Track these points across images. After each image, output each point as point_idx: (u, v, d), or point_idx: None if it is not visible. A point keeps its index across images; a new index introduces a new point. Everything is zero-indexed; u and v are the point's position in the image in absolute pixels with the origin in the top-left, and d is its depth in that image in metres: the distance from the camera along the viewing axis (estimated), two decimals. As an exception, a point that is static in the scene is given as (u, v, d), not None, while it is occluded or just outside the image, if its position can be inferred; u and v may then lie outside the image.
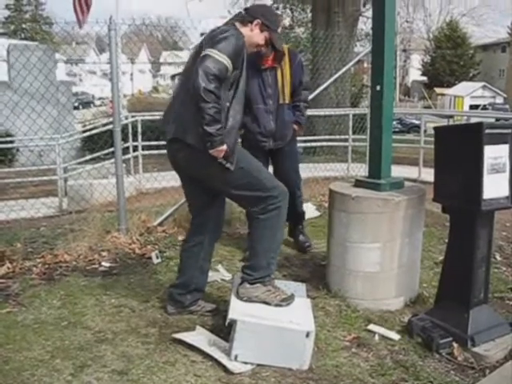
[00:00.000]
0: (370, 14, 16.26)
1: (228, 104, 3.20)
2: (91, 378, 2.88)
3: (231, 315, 3.06)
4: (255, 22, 3.39)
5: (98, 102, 47.81)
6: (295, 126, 4.75)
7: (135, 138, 9.83)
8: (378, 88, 3.88)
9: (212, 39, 3.17)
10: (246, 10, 3.56)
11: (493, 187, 3.29)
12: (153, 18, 66.65)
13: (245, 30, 3.35)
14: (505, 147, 3.38)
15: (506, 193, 3.40)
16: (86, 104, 42.83)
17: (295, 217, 4.98)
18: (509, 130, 3.44)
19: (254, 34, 3.40)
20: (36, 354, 3.13)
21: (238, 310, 3.14)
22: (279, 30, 3.57)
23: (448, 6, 55.24)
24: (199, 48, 3.27)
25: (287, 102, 4.61)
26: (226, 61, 3.07)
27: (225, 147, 3.13)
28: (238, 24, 3.38)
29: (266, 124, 4.53)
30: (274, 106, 4.53)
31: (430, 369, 3.15)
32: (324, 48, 11.18)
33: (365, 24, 20.44)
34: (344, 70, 8.01)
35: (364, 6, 14.89)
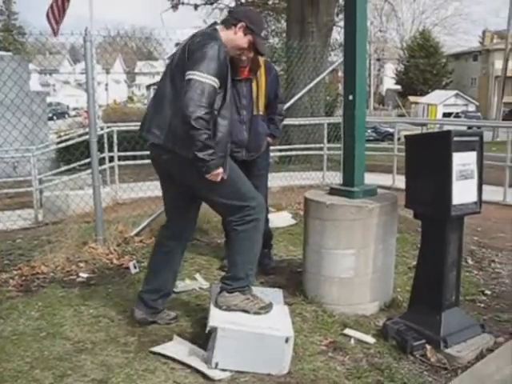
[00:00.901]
0: (342, 24, 16.52)
1: (216, 113, 3.20)
2: (71, 388, 2.91)
3: (212, 323, 3.11)
4: (239, 25, 3.33)
5: (72, 113, 47.37)
6: (269, 139, 4.74)
7: (111, 149, 9.81)
8: (351, 97, 3.98)
9: (194, 55, 3.14)
10: (230, 12, 3.55)
11: (462, 193, 3.40)
12: (127, 27, 66.53)
13: (228, 33, 3.33)
14: (472, 154, 3.49)
15: (475, 198, 3.52)
16: (61, 114, 42.38)
17: (264, 238, 4.70)
18: (476, 138, 3.56)
19: (237, 38, 3.35)
20: (15, 365, 3.14)
21: (217, 317, 3.20)
22: (263, 33, 3.50)
23: (420, 16, 56.37)
24: (181, 59, 3.24)
25: (261, 113, 4.60)
26: (213, 81, 3.07)
27: (221, 170, 3.17)
28: (220, 27, 3.36)
29: (239, 134, 4.47)
30: (248, 116, 4.51)
31: (405, 370, 3.23)
32: (298, 58, 11.30)
33: (339, 34, 20.74)
34: (318, 79, 8.14)
35: (337, 15, 15.09)
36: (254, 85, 4.50)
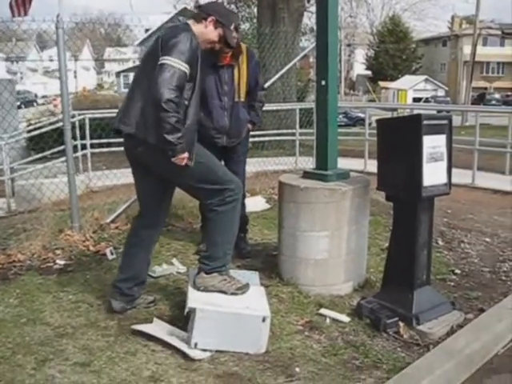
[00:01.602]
0: (314, 9, 16.56)
1: (186, 103, 3.30)
2: (54, 371, 2.95)
3: (190, 304, 3.18)
4: (209, 19, 3.45)
5: (41, 101, 46.63)
6: (249, 125, 4.76)
7: (83, 137, 9.74)
8: (323, 83, 4.05)
9: (167, 44, 3.24)
10: (199, 7, 3.67)
11: (432, 175, 3.52)
12: (95, 12, 65.54)
13: (199, 27, 3.44)
14: (442, 137, 3.61)
15: (444, 180, 3.64)
16: (29, 103, 41.70)
17: (241, 222, 4.52)
18: (445, 121, 3.67)
19: (208, 31, 3.47)
20: (-3, 351, 3.18)
21: (196, 299, 3.27)
22: (232, 26, 3.58)
23: (390, 1, 56.72)
24: (154, 48, 3.33)
25: (242, 100, 4.61)
26: (183, 67, 3.18)
27: (186, 155, 3.25)
28: (191, 21, 3.47)
29: (220, 120, 4.50)
30: (230, 103, 4.52)
31: (379, 347, 3.35)
32: (270, 44, 11.34)
33: (309, 19, 20.81)
34: (290, 65, 8.21)
35: (308, 1, 15.11)
36: (235, 71, 4.50)
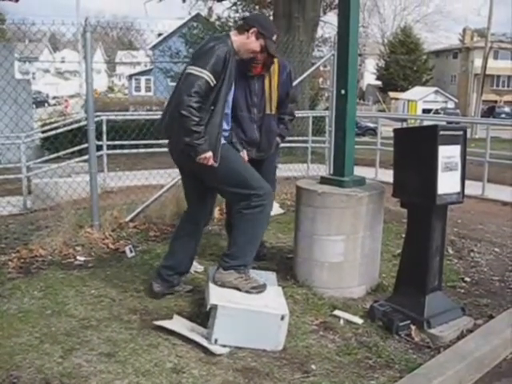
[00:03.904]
0: (327, 19, 16.73)
1: (212, 107, 3.51)
2: (81, 360, 3.08)
3: (212, 301, 3.31)
4: (251, 31, 3.65)
5: (52, 102, 46.89)
6: (278, 139, 4.62)
7: (99, 138, 9.90)
8: (343, 92, 4.18)
9: (196, 54, 3.57)
10: (243, 19, 3.87)
11: (446, 184, 3.64)
12: (107, 16, 66.00)
13: (241, 38, 3.66)
14: (457, 147, 3.73)
15: (458, 189, 3.76)
16: (40, 103, 41.96)
17: None
18: (460, 132, 3.80)
19: (250, 42, 3.67)
20: (25, 339, 3.31)
21: (217, 296, 3.39)
22: (274, 37, 3.76)
23: (402, 12, 56.83)
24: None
25: (273, 112, 4.47)
26: (205, 75, 3.40)
27: (209, 154, 3.46)
28: (234, 32, 3.70)
29: (250, 132, 4.36)
30: (260, 115, 4.38)
31: (391, 348, 3.47)
32: (284, 52, 11.46)
33: (322, 28, 20.95)
34: (308, 72, 8.32)
35: (324, 13, 15.28)
36: (266, 82, 4.38)
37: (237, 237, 3.68)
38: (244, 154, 4.35)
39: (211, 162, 3.48)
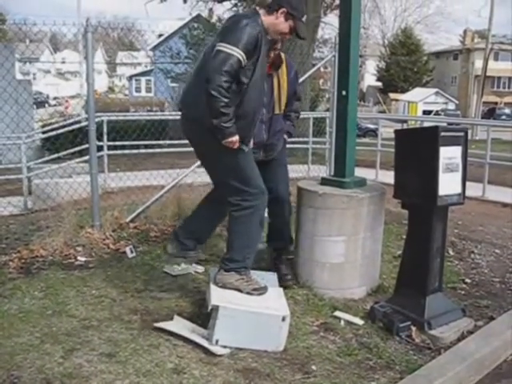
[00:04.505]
0: (327, 20, 16.75)
1: (245, 87, 3.35)
2: (82, 361, 3.09)
3: (213, 302, 3.30)
4: (281, 11, 3.47)
5: (52, 102, 46.86)
6: (285, 137, 4.50)
7: (99, 138, 9.90)
8: (344, 93, 4.19)
9: (225, 30, 3.36)
10: None
11: (447, 185, 3.65)
12: (108, 17, 66.01)
13: (270, 18, 3.47)
14: (458, 149, 3.73)
15: (459, 190, 3.76)
16: (40, 104, 41.93)
17: (280, 241, 4.53)
18: (461, 134, 3.80)
19: (278, 22, 3.49)
20: (26, 339, 3.31)
21: (219, 297, 3.39)
22: (304, 18, 3.58)
23: (403, 14, 56.85)
24: (218, 33, 3.47)
25: (282, 112, 4.37)
26: (237, 53, 3.23)
27: (236, 138, 3.35)
28: (263, 11, 3.51)
29: (258, 134, 4.11)
30: (268, 115, 4.23)
31: (392, 349, 3.47)
32: (285, 52, 11.45)
33: (322, 29, 20.96)
34: (309, 73, 8.32)
35: (325, 14, 15.28)
36: (275, 82, 4.25)
37: (232, 241, 3.64)
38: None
39: (237, 145, 3.39)
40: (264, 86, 3.57)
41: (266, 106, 4.16)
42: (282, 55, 4.26)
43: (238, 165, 3.53)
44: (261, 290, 3.59)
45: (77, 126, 9.30)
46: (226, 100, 3.23)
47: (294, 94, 4.46)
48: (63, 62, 61.68)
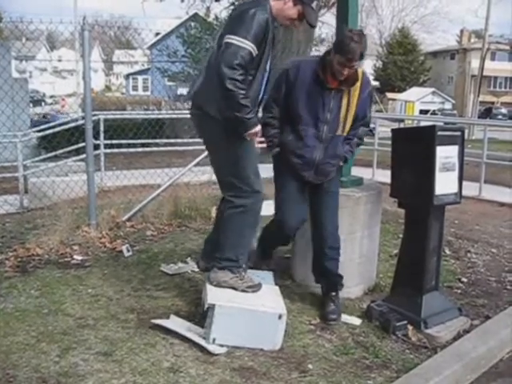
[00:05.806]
0: (324, 19, 16.73)
1: (250, 78, 3.28)
2: (77, 359, 3.08)
3: (210, 300, 3.30)
4: None
5: (49, 101, 46.72)
6: (341, 163, 3.90)
7: (96, 137, 9.89)
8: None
9: (235, 20, 3.26)
10: None
11: (444, 184, 3.65)
12: (105, 16, 65.92)
13: (278, 3, 3.36)
14: (454, 148, 3.73)
15: (456, 189, 3.76)
16: (37, 102, 41.81)
17: (328, 279, 3.98)
18: (458, 133, 3.80)
19: (287, 8, 3.37)
20: (21, 338, 3.30)
21: (215, 295, 3.38)
22: (314, 4, 3.42)
23: (400, 13, 56.86)
24: (227, 22, 3.39)
25: (345, 134, 3.79)
26: (249, 46, 3.14)
27: (258, 128, 3.29)
28: None
29: (313, 151, 3.69)
30: (329, 135, 3.69)
31: (388, 348, 3.48)
32: (282, 52, 11.44)
33: (320, 29, 20.94)
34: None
35: (319, 9, 15.23)
36: (344, 99, 3.68)
37: (221, 239, 3.59)
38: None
39: (259, 135, 3.34)
40: (267, 67, 3.45)
41: (329, 124, 3.68)
42: (360, 71, 3.68)
43: (240, 160, 3.43)
44: (255, 288, 3.57)
45: (73, 124, 9.28)
46: (243, 92, 3.15)
47: (363, 117, 3.84)
48: (60, 61, 61.51)
